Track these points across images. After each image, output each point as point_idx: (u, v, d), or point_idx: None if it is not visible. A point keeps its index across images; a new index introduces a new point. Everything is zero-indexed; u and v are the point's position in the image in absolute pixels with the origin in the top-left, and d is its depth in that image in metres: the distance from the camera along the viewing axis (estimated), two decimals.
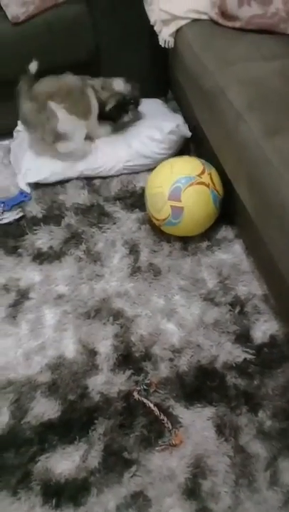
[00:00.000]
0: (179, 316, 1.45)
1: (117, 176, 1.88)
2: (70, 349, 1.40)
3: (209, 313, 1.45)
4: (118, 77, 1.91)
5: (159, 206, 1.54)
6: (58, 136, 1.78)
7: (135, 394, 1.29)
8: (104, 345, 1.40)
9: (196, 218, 1.54)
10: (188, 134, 1.84)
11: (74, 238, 1.69)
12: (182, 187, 1.51)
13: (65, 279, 1.58)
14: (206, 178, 1.53)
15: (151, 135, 1.84)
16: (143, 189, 1.77)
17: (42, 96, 1.76)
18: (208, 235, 1.65)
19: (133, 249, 1.63)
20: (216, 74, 1.46)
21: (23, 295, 1.54)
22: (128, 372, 1.34)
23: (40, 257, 1.64)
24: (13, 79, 1.95)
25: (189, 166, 1.57)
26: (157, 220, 1.58)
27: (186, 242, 1.64)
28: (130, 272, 1.57)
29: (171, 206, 1.52)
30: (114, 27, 1.93)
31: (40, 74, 1.97)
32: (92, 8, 1.87)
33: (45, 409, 1.28)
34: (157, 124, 1.87)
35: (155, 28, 1.74)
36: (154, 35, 1.94)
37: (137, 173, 1.88)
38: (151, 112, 1.99)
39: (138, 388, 1.30)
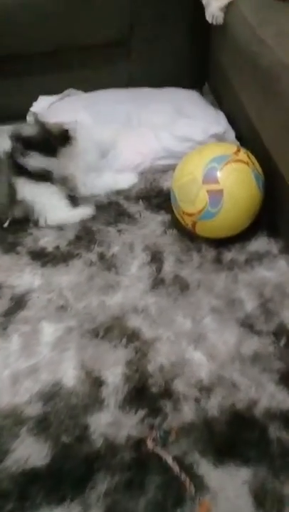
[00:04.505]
0: (209, 344, 1.15)
1: (141, 173, 1.61)
2: (69, 375, 1.11)
3: (247, 343, 1.15)
4: None
5: (193, 195, 1.26)
6: None
7: (149, 442, 0.99)
8: (114, 374, 1.11)
9: (239, 203, 1.27)
10: (236, 143, 1.56)
11: (86, 238, 1.41)
12: (218, 166, 1.25)
13: (71, 287, 1.29)
14: (243, 157, 1.29)
15: (190, 135, 1.56)
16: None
17: None
18: (247, 247, 1.36)
19: (156, 257, 1.35)
20: (276, 50, 1.19)
21: (17, 302, 1.26)
22: (141, 412, 1.04)
23: (43, 258, 1.37)
24: (35, 51, 1.71)
25: (220, 147, 1.35)
26: (190, 215, 1.29)
27: (220, 252, 1.35)
28: (151, 284, 1.28)
29: (207, 191, 1.25)
30: (153, 3, 1.67)
31: (65, 53, 1.74)
32: None
33: (30, 452, 0.99)
34: (199, 124, 1.59)
35: (203, 1, 1.48)
36: (195, 19, 1.70)
37: (165, 171, 1.61)
38: (189, 106, 1.72)
39: (153, 435, 1.00)
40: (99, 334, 1.18)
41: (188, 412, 1.04)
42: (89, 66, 1.81)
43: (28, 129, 1.44)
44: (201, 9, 1.60)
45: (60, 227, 1.44)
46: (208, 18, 1.48)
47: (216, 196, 1.25)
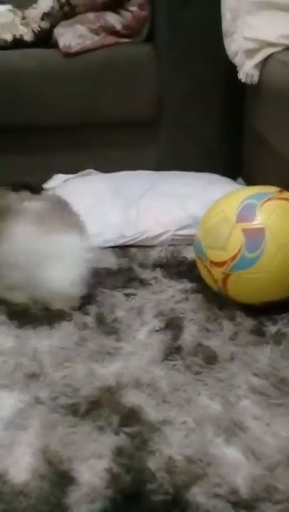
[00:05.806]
0: (249, 436, 0.73)
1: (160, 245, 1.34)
2: (21, 465, 0.69)
3: None
4: None
5: (224, 238, 0.95)
6: None
7: None
8: (93, 469, 0.68)
9: (286, 248, 0.94)
10: None
11: (82, 300, 1.07)
12: (257, 202, 0.97)
13: (51, 352, 0.93)
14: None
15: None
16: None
17: None
18: None
19: (172, 323, 0.99)
20: None
21: None
22: None
23: (22, 318, 1.03)
24: (56, 124, 1.60)
25: (259, 188, 1.05)
26: (221, 265, 0.96)
27: (261, 323, 0.98)
28: (164, 353, 0.91)
29: (243, 230, 0.94)
30: (183, 81, 1.58)
31: (87, 130, 1.63)
32: (159, 55, 1.56)
33: None
34: (227, 188, 1.38)
35: (235, 61, 1.36)
36: (227, 102, 1.61)
37: (189, 244, 1.33)
38: (216, 179, 1.53)
39: None
40: (79, 410, 0.78)
41: None
42: (112, 146, 1.67)
43: None
44: (234, 93, 1.52)
45: None
46: (242, 77, 1.34)
47: (254, 236, 0.94)
